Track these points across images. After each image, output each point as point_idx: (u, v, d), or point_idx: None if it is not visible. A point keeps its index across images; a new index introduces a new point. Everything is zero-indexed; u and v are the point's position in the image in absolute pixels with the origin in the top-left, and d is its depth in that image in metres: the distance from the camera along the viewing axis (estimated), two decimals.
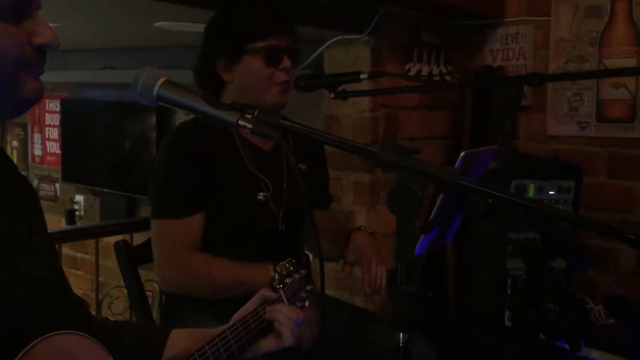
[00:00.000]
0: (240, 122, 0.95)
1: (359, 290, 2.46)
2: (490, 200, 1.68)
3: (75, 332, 0.91)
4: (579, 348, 1.51)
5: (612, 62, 2.30)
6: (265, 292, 1.20)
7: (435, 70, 2.49)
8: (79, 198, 3.99)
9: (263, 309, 1.17)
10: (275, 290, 1.19)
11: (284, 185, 1.64)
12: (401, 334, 1.02)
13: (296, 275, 1.22)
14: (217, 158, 1.57)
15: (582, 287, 2.30)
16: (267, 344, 1.15)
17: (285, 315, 1.15)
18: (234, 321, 1.16)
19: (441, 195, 1.43)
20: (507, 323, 2.05)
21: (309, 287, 1.23)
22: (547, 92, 2.45)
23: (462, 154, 1.31)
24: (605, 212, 2.36)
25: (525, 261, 1.71)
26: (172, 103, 0.99)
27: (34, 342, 0.84)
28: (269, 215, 1.62)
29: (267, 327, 1.16)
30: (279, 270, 1.20)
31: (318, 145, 1.80)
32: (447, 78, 2.54)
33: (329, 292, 2.48)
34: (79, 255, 3.87)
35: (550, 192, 2.07)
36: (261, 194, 1.60)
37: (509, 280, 1.97)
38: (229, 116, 0.98)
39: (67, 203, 4.02)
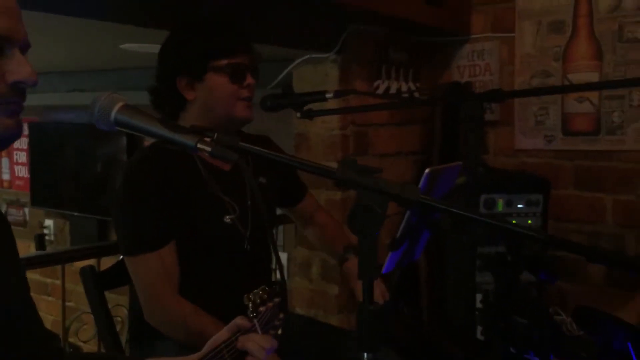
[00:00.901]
0: (199, 146, 0.95)
1: (333, 308, 2.45)
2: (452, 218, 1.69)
3: None
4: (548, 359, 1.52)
5: (575, 77, 2.35)
6: (239, 321, 1.18)
7: (404, 87, 2.51)
8: (48, 222, 3.92)
9: (236, 338, 1.16)
10: (249, 318, 1.18)
11: (248, 204, 1.63)
12: (365, 354, 1.02)
13: (269, 304, 1.21)
14: (180, 184, 1.54)
15: (554, 298, 2.32)
16: None
17: (257, 345, 1.15)
18: (208, 350, 1.14)
19: (407, 212, 1.44)
20: (479, 336, 2.06)
21: (282, 315, 1.23)
22: (514, 106, 2.49)
23: (427, 171, 1.32)
24: (574, 224, 2.39)
25: (495, 275, 1.72)
26: (130, 127, 0.98)
27: None
28: (235, 237, 1.61)
29: (241, 357, 1.15)
30: (252, 299, 1.19)
31: (275, 148, 1.81)
32: (416, 94, 2.57)
33: (303, 310, 2.47)
34: (49, 280, 3.80)
35: (519, 206, 2.10)
36: (227, 217, 1.58)
37: (480, 294, 1.99)
38: (187, 140, 0.97)
39: (36, 228, 3.95)
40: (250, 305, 1.16)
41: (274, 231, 2.58)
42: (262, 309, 1.17)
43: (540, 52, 2.42)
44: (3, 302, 0.88)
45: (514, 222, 1.95)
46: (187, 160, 1.58)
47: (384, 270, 1.52)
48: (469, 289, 1.95)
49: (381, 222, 0.97)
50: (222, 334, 1.17)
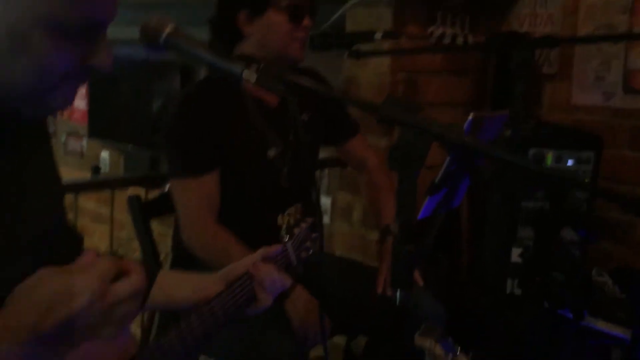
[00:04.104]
0: (245, 74, 0.96)
1: (372, 253, 2.48)
2: (496, 165, 1.67)
3: None
4: (582, 317, 1.51)
5: None
6: (262, 250, 1.19)
7: (460, 36, 2.44)
8: (104, 154, 4.06)
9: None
10: (282, 241, 1.20)
11: (291, 141, 1.66)
12: (399, 291, 1.04)
13: (303, 225, 1.22)
14: (228, 116, 1.60)
15: (598, 260, 2.28)
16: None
17: (268, 276, 1.13)
18: (234, 278, 1.15)
19: (447, 158, 1.43)
20: (514, 291, 2.05)
21: (314, 235, 1.24)
22: (574, 60, 2.39)
23: (471, 116, 1.30)
24: (626, 185, 2.31)
25: (535, 230, 1.70)
26: (179, 50, 1.00)
27: None
28: (276, 173, 1.66)
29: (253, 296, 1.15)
30: (286, 219, 1.21)
31: (325, 84, 1.81)
32: (470, 42, 2.49)
33: (342, 254, 2.51)
34: (103, 210, 3.96)
35: (569, 162, 2.04)
36: (271, 151, 1.63)
37: (518, 249, 1.97)
38: (233, 67, 0.98)
39: (93, 159, 4.10)
40: (285, 226, 1.18)
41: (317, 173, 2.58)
42: (296, 230, 1.19)
43: (607, 4, 2.29)
44: (37, 215, 0.91)
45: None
46: (236, 95, 1.62)
47: (420, 215, 1.53)
48: (507, 242, 1.94)
49: (422, 161, 0.97)
50: (241, 266, 1.17)
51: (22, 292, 0.75)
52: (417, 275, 1.77)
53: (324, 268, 1.66)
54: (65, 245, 0.97)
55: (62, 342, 0.76)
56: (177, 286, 1.17)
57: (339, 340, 2.29)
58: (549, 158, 2.02)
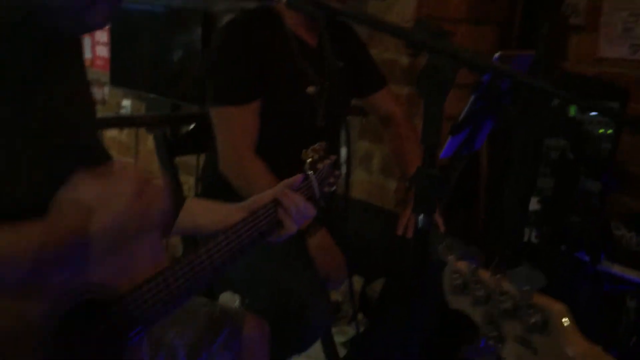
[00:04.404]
0: None
1: (391, 202, 2.51)
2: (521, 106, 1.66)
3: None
4: (599, 261, 1.53)
5: None
6: (288, 180, 1.22)
7: None
8: (126, 103, 4.09)
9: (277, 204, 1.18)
10: (306, 174, 1.22)
11: (327, 82, 1.69)
12: (421, 216, 1.06)
13: (326, 161, 1.25)
14: (270, 49, 1.63)
15: (617, 214, 2.27)
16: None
17: (293, 203, 1.16)
18: (259, 207, 1.19)
19: (472, 96, 1.43)
20: (532, 240, 2.07)
21: (337, 173, 1.27)
22: (602, 11, 2.34)
23: (498, 54, 1.30)
24: None
25: (555, 179, 1.70)
26: None
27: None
28: (312, 111, 1.69)
29: (277, 224, 1.18)
30: (311, 155, 1.23)
31: (354, 36, 1.83)
32: None
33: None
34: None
35: (593, 113, 2.03)
36: (309, 88, 1.65)
37: (538, 197, 1.98)
38: None
39: (115, 107, 4.14)
40: (309, 160, 1.21)
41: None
42: (319, 165, 1.21)
43: None
44: (75, 124, 0.95)
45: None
46: (279, 30, 1.65)
47: (441, 154, 1.54)
48: (527, 188, 1.94)
49: (449, 87, 0.98)
50: (265, 196, 1.20)
51: (64, 197, 0.79)
52: (438, 219, 1.79)
53: (345, 210, 1.69)
54: (98, 157, 1.01)
55: (105, 246, 0.80)
56: (203, 213, 1.21)
57: (356, 284, 2.34)
58: (573, 108, 2.01)
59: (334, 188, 1.28)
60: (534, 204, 2.02)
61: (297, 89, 1.67)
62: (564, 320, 0.70)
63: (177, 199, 1.20)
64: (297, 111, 1.69)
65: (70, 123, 0.94)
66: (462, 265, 0.82)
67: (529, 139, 1.94)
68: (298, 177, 1.23)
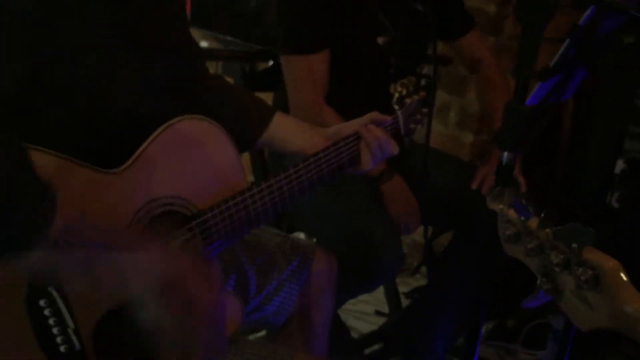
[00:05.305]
0: None
1: (466, 155, 2.44)
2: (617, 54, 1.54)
3: (199, 117, 0.98)
4: None
5: None
6: (373, 114, 1.21)
7: None
8: (204, 44, 4.15)
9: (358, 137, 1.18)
10: (395, 116, 1.20)
11: (401, 29, 1.63)
12: (505, 153, 1.02)
13: (415, 97, 1.21)
14: None
15: None
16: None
17: (375, 138, 1.15)
18: (342, 138, 1.18)
19: (566, 41, 1.34)
20: (612, 204, 1.97)
21: (425, 110, 1.23)
22: None
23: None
24: None
25: None
26: None
27: (158, 131, 0.91)
28: (383, 59, 1.65)
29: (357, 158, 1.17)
30: (399, 89, 1.20)
31: None
32: None
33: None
34: None
35: None
36: (381, 37, 1.61)
37: (624, 160, 1.87)
38: None
39: None
40: (397, 95, 1.17)
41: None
42: (407, 100, 1.18)
43: None
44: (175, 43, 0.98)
45: None
46: None
47: (528, 101, 1.47)
48: (613, 148, 1.84)
49: (551, 14, 0.92)
50: (350, 127, 1.19)
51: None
52: (520, 177, 1.73)
53: (424, 160, 1.66)
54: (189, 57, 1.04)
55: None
56: (292, 132, 1.24)
57: (419, 237, 2.30)
58: None
59: (419, 125, 1.24)
60: (619, 166, 1.92)
61: (368, 38, 1.63)
62: (618, 275, 0.66)
63: (263, 115, 1.22)
64: (369, 61, 1.65)
65: (160, 23, 0.96)
66: (513, 215, 0.77)
67: (619, 94, 1.82)
68: (386, 117, 1.21)
